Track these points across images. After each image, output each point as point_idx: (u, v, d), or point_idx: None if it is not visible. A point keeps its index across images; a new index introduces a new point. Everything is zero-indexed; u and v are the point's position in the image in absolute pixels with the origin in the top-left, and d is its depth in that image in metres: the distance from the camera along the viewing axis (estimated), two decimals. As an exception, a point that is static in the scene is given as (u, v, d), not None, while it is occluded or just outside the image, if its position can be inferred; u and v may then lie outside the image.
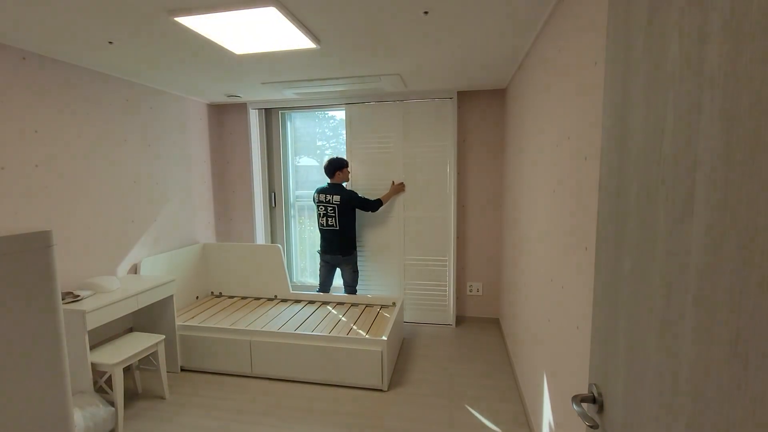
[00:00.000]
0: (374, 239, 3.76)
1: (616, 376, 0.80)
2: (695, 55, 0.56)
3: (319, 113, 4.08)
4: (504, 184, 3.42)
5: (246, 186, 4.03)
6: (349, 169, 3.50)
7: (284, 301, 3.58)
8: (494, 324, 3.69)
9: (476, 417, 2.32)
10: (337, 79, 2.98)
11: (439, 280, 3.68)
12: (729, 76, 0.49)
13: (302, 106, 3.79)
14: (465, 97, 3.53)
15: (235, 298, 3.65)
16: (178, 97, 3.46)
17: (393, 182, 3.63)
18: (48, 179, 2.35)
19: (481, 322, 3.72)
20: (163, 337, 2.52)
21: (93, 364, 2.19)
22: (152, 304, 2.78)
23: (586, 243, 1.32)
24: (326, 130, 3.82)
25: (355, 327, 2.96)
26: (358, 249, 3.76)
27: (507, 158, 3.24)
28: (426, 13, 1.81)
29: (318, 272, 3.62)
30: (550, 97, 1.83)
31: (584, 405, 0.96)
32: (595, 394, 0.88)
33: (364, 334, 2.83)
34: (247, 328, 2.79)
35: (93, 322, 2.14)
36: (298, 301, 3.55)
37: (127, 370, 2.79)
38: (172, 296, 2.74)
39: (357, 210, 3.47)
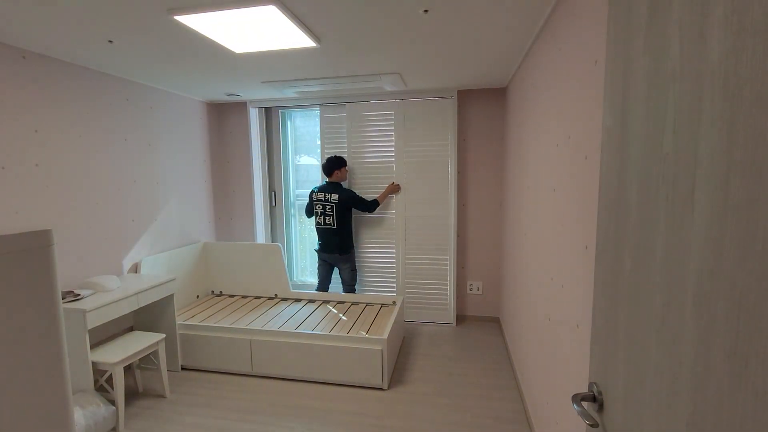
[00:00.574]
0: (374, 238, 3.76)
1: (616, 374, 0.80)
2: (696, 53, 0.56)
3: (317, 112, 4.07)
4: (504, 183, 3.41)
5: (246, 185, 4.03)
6: (347, 168, 3.50)
7: (284, 300, 3.58)
8: (494, 323, 3.69)
9: (476, 416, 2.32)
10: (336, 77, 2.98)
11: (440, 279, 3.68)
12: (730, 74, 0.49)
13: (302, 105, 3.78)
14: (465, 96, 3.52)
15: (236, 297, 3.65)
16: (178, 96, 3.45)
17: (391, 183, 3.63)
18: (48, 178, 2.35)
19: (481, 321, 3.73)
20: (164, 336, 2.52)
21: (94, 363, 2.19)
22: (153, 303, 2.78)
23: (586, 242, 1.32)
24: (327, 129, 3.82)
25: (355, 326, 2.96)
26: (357, 248, 3.76)
27: (507, 157, 3.24)
28: (426, 11, 1.81)
29: (317, 271, 3.62)
30: (551, 96, 1.82)
31: (584, 404, 0.96)
32: (595, 393, 0.88)
33: (365, 333, 2.83)
34: (247, 327, 2.79)
35: (93, 321, 2.14)
36: (298, 300, 3.55)
37: (128, 369, 2.79)
38: (172, 295, 2.74)
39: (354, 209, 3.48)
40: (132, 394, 2.58)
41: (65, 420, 1.29)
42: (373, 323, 3.01)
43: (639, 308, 0.71)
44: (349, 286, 3.57)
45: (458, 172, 3.61)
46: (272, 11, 1.73)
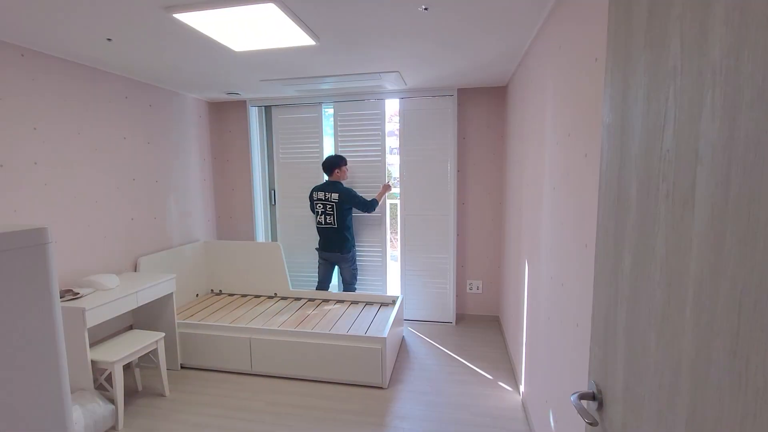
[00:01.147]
0: (374, 237, 3.76)
1: (615, 373, 0.80)
2: (696, 49, 0.55)
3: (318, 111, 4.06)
4: (504, 182, 3.41)
5: (246, 183, 4.02)
6: (347, 166, 3.49)
7: (284, 298, 3.58)
8: (494, 322, 3.69)
9: (476, 414, 2.32)
10: (336, 76, 2.97)
11: (439, 278, 3.68)
12: (731, 71, 0.49)
13: (302, 104, 3.78)
14: (465, 95, 3.52)
15: (235, 296, 3.65)
16: (178, 94, 3.45)
17: (384, 184, 3.61)
18: (47, 176, 2.35)
19: (481, 320, 3.73)
20: (163, 334, 2.52)
21: (93, 362, 2.19)
22: (152, 302, 2.78)
23: (586, 240, 1.32)
24: (327, 128, 3.82)
25: (355, 325, 2.96)
26: (357, 247, 3.76)
27: (507, 156, 3.24)
28: (426, 9, 1.80)
29: (317, 270, 3.62)
30: (551, 94, 1.82)
31: (584, 402, 0.96)
32: (595, 392, 0.88)
33: (364, 331, 2.83)
34: (247, 326, 2.79)
35: (93, 319, 2.13)
36: (297, 299, 3.55)
37: (127, 368, 2.79)
38: (172, 294, 2.74)
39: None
40: (131, 393, 2.58)
41: (64, 418, 1.29)
42: (373, 322, 3.01)
43: (639, 306, 0.71)
44: (350, 285, 3.56)
45: (458, 171, 3.61)
46: (271, 9, 1.73)
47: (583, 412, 0.84)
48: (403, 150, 3.61)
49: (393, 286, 4.15)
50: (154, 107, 3.17)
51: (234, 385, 2.67)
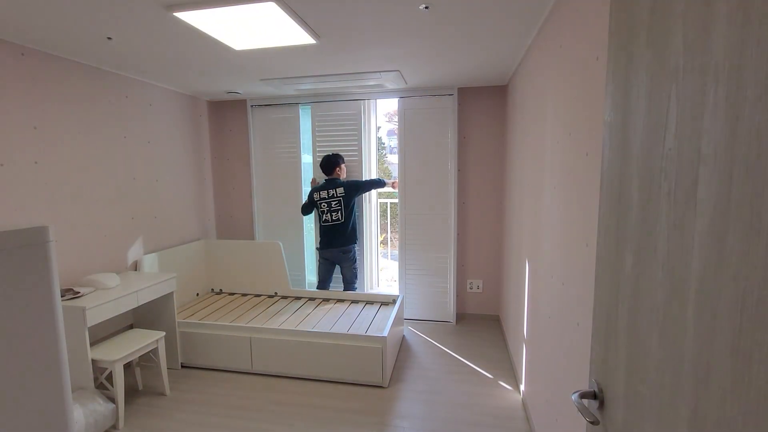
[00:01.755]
0: (374, 236, 3.76)
1: (617, 372, 0.80)
2: (699, 47, 0.55)
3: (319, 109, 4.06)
4: (505, 181, 3.41)
5: (246, 183, 4.02)
6: (344, 164, 3.51)
7: (284, 297, 3.58)
8: (494, 321, 3.69)
9: (476, 413, 2.32)
10: (336, 75, 2.97)
11: (440, 277, 3.68)
12: (734, 69, 0.49)
13: (301, 102, 3.77)
14: (466, 94, 3.52)
15: (236, 295, 3.65)
16: (178, 93, 3.45)
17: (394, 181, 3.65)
18: (47, 175, 2.34)
19: (481, 319, 3.73)
20: (164, 333, 2.52)
21: (93, 361, 2.19)
22: (153, 301, 2.78)
23: (587, 239, 1.32)
24: (326, 127, 3.81)
25: (355, 324, 2.96)
26: (357, 246, 3.76)
27: (508, 155, 3.23)
28: (426, 7, 1.80)
29: (317, 270, 3.63)
30: (552, 93, 1.82)
31: (585, 401, 0.96)
32: (596, 390, 0.88)
33: (365, 331, 2.83)
34: (247, 325, 2.79)
35: (93, 318, 2.14)
36: (298, 298, 3.55)
37: (128, 367, 2.79)
38: (172, 293, 2.74)
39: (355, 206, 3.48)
40: (132, 392, 2.59)
41: (65, 417, 1.29)
42: (373, 321, 3.01)
43: (640, 305, 0.71)
44: (350, 284, 3.56)
45: (458, 170, 3.60)
46: (272, 8, 1.72)
47: (584, 410, 0.84)
48: (403, 149, 3.60)
49: (382, 285, 4.14)
50: (154, 106, 3.17)
51: (234, 384, 2.67)
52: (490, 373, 2.76)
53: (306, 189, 3.87)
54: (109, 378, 2.46)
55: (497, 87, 3.46)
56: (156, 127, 3.18)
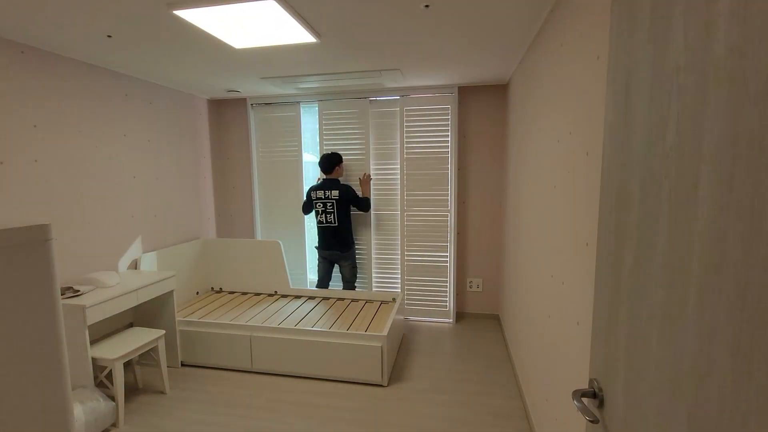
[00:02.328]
0: (374, 235, 3.76)
1: (616, 371, 0.80)
2: (700, 46, 0.55)
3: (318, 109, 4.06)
4: (505, 180, 3.41)
5: (246, 181, 4.02)
6: (343, 164, 3.51)
7: (284, 296, 3.58)
8: (494, 320, 3.70)
9: (476, 412, 2.32)
10: (337, 73, 2.97)
11: (439, 276, 3.68)
12: (735, 67, 0.49)
13: (301, 101, 3.77)
14: (466, 93, 3.51)
15: (236, 294, 3.65)
16: (178, 92, 3.44)
17: (359, 179, 3.61)
18: (47, 174, 2.34)
19: (481, 318, 3.73)
20: (164, 332, 2.52)
21: (93, 359, 2.20)
22: (152, 300, 2.78)
23: (587, 239, 1.32)
24: (325, 126, 3.81)
25: (355, 323, 2.96)
26: (357, 245, 3.76)
27: (508, 154, 3.23)
28: (427, 6, 1.80)
29: (316, 268, 3.62)
30: (552, 92, 1.82)
31: (585, 400, 0.96)
32: (596, 389, 0.88)
33: (364, 329, 2.83)
34: (247, 324, 2.79)
35: (93, 317, 2.14)
36: (298, 297, 3.55)
37: (128, 365, 2.79)
38: (172, 291, 2.74)
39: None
40: (132, 390, 2.59)
41: (65, 415, 1.29)
42: (373, 320, 3.01)
43: (640, 304, 0.71)
44: (350, 283, 3.56)
45: (458, 169, 3.60)
46: (272, 6, 1.72)
47: (584, 409, 0.84)
48: (404, 148, 3.60)
49: (383, 285, 4.13)
50: (154, 105, 3.17)
51: (234, 383, 2.67)
52: (489, 372, 2.77)
53: (306, 188, 3.86)
54: (109, 376, 2.46)
55: (498, 86, 3.46)
56: (156, 126, 3.18)
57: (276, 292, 3.61)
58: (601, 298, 0.88)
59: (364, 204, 3.43)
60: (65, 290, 2.25)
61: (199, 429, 2.20)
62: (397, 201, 3.68)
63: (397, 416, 2.29)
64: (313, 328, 2.70)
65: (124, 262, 2.88)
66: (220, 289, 3.74)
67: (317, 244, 3.53)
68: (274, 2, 1.68)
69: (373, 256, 3.79)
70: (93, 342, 2.59)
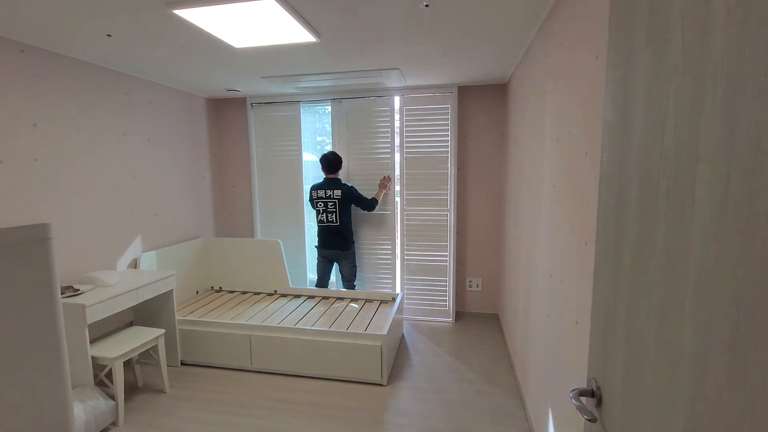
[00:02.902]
0: (374, 234, 3.76)
1: (614, 369, 0.80)
2: (698, 46, 0.56)
3: (319, 108, 4.07)
4: (504, 180, 3.41)
5: (246, 180, 4.02)
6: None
7: (284, 295, 3.58)
8: (494, 319, 3.70)
9: (475, 411, 2.33)
10: (336, 73, 2.97)
11: (439, 276, 3.69)
12: (732, 68, 0.49)
13: (301, 101, 3.77)
14: (466, 92, 3.51)
15: (235, 293, 3.66)
16: (178, 91, 3.44)
17: (381, 179, 3.61)
18: (47, 173, 2.34)
19: (480, 318, 3.73)
20: (163, 331, 2.52)
21: (93, 358, 2.20)
22: (152, 299, 2.79)
23: (586, 238, 1.32)
24: (326, 125, 3.81)
25: (354, 322, 2.97)
26: (356, 244, 3.77)
27: (507, 153, 3.23)
28: (427, 5, 1.80)
29: (316, 267, 3.63)
30: (551, 92, 1.82)
31: (583, 399, 0.96)
32: (594, 388, 0.89)
33: (364, 329, 2.83)
34: (246, 323, 2.80)
35: (93, 316, 2.14)
36: (297, 296, 3.56)
37: (128, 364, 2.80)
38: (172, 290, 2.74)
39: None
40: (132, 389, 2.59)
41: (65, 414, 1.29)
42: (373, 319, 3.01)
43: (638, 303, 0.71)
44: (349, 282, 3.57)
45: (458, 169, 3.60)
46: (271, 5, 1.72)
47: (582, 408, 0.84)
48: (403, 147, 3.60)
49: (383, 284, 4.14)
50: (154, 104, 3.16)
51: (234, 382, 2.67)
52: (489, 371, 2.77)
53: (307, 188, 3.87)
54: (109, 375, 2.46)
55: (497, 85, 3.46)
56: (155, 125, 3.18)
57: (276, 291, 3.62)
58: (599, 297, 0.88)
59: (369, 203, 3.43)
60: (65, 289, 2.25)
61: (199, 428, 2.20)
62: (397, 200, 3.68)
63: (396, 415, 2.30)
64: (312, 328, 2.71)
65: (123, 261, 2.88)
66: (220, 288, 3.74)
67: (317, 244, 3.53)
68: (274, 1, 1.69)
69: (372, 255, 3.80)
70: (93, 341, 2.59)
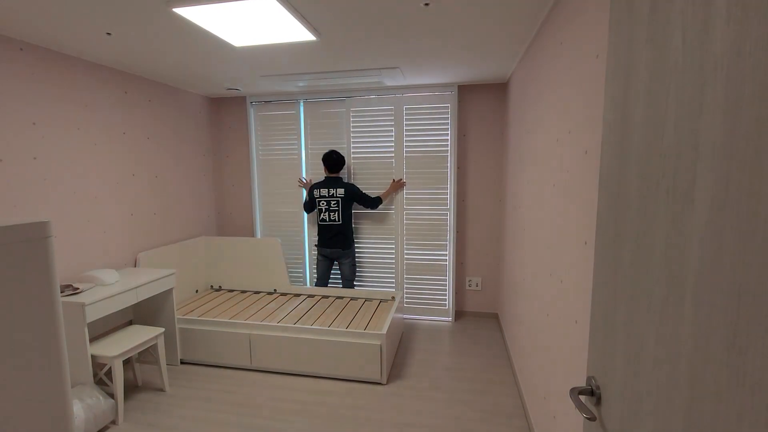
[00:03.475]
0: (373, 234, 3.76)
1: (614, 368, 0.80)
2: (698, 45, 0.55)
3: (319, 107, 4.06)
4: (504, 179, 3.41)
5: (245, 179, 4.02)
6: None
7: (284, 294, 3.58)
8: (493, 318, 3.70)
9: (475, 410, 2.33)
10: (336, 72, 2.96)
11: (439, 275, 3.69)
12: (732, 66, 0.49)
13: (301, 100, 3.77)
14: (466, 91, 3.51)
15: (235, 292, 3.66)
16: (178, 89, 3.44)
17: (393, 180, 3.63)
18: (46, 171, 2.34)
19: (480, 317, 3.73)
20: (163, 330, 2.52)
21: (93, 357, 2.20)
22: (152, 298, 2.79)
23: (586, 237, 1.32)
24: (326, 124, 3.81)
25: (354, 321, 2.97)
26: (356, 243, 3.77)
27: (507, 153, 3.23)
28: (427, 4, 1.80)
29: (315, 266, 3.63)
30: (551, 91, 1.82)
31: (582, 397, 0.96)
32: (593, 387, 0.89)
33: (364, 328, 2.83)
34: (246, 322, 2.80)
35: (92, 314, 2.14)
36: (297, 295, 3.56)
37: (127, 363, 2.80)
38: (171, 289, 2.74)
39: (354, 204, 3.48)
40: (131, 388, 2.59)
41: (64, 413, 1.29)
42: (372, 318, 3.02)
43: (638, 302, 0.71)
44: (349, 281, 3.57)
45: (458, 168, 3.60)
46: (271, 4, 1.72)
47: (581, 407, 0.84)
48: (403, 146, 3.60)
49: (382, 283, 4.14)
50: (154, 102, 3.16)
51: (233, 381, 2.68)
52: (488, 370, 2.77)
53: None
54: (109, 374, 2.46)
55: (497, 84, 3.46)
56: (155, 123, 3.18)
57: (275, 290, 3.62)
58: (599, 296, 0.88)
59: (372, 202, 3.43)
60: (65, 288, 2.25)
61: (199, 426, 2.20)
62: (397, 198, 3.68)
63: (396, 414, 2.30)
64: (312, 327, 2.71)
65: (123, 260, 2.88)
66: (220, 287, 3.74)
67: (317, 242, 3.53)
68: (274, 0, 1.68)
69: (372, 254, 3.80)
70: (92, 339, 2.59)
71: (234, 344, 2.79)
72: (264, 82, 3.28)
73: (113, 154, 2.79)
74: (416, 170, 3.61)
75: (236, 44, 2.26)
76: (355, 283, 3.64)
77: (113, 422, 2.23)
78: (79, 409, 2.02)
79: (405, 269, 3.75)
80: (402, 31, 2.13)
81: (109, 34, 2.12)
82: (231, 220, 4.11)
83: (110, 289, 2.32)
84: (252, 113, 3.91)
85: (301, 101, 3.77)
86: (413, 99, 3.53)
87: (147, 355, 2.71)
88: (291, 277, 4.05)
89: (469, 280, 3.73)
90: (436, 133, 3.54)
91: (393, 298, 3.41)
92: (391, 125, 3.61)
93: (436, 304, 3.73)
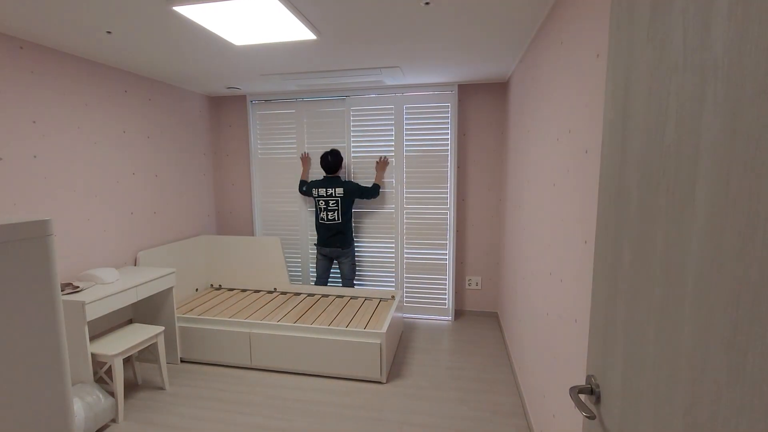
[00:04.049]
0: (373, 233, 3.77)
1: (613, 367, 0.80)
2: (699, 44, 0.55)
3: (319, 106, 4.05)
4: (504, 178, 3.41)
5: (245, 178, 4.02)
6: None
7: (283, 293, 3.58)
8: (493, 318, 3.71)
9: (474, 409, 2.33)
10: (336, 71, 2.96)
11: (438, 274, 3.69)
12: (733, 66, 0.49)
13: (301, 98, 3.77)
14: (466, 90, 3.51)
15: (235, 291, 3.66)
16: (178, 88, 3.44)
17: (376, 162, 3.61)
18: (46, 170, 2.34)
19: (479, 316, 3.74)
20: (163, 328, 2.53)
21: (93, 355, 2.20)
22: (152, 296, 2.79)
23: (586, 236, 1.32)
24: (326, 124, 3.81)
25: (354, 320, 2.97)
26: (356, 242, 3.77)
27: (507, 152, 3.23)
28: (427, 3, 1.80)
29: (315, 266, 3.63)
30: (552, 90, 1.82)
31: (582, 396, 0.96)
32: (593, 386, 0.89)
33: (363, 326, 2.84)
34: (246, 321, 2.80)
35: (92, 313, 2.14)
36: (297, 294, 3.56)
37: (127, 361, 2.80)
38: (171, 288, 2.75)
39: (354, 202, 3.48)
40: (131, 387, 2.59)
41: (64, 411, 1.29)
42: (372, 317, 3.02)
43: (638, 301, 0.71)
44: (349, 281, 3.57)
45: (458, 167, 3.60)
46: (272, 2, 1.72)
47: (581, 405, 0.84)
48: (403, 146, 3.60)
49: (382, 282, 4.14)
50: (154, 101, 3.16)
51: (233, 380, 2.68)
52: (488, 369, 2.78)
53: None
54: (109, 372, 2.46)
55: (498, 83, 3.46)
56: (155, 122, 3.18)
57: (275, 289, 3.62)
58: (598, 295, 0.89)
59: (371, 192, 3.43)
60: (65, 286, 2.25)
61: (198, 425, 2.21)
62: (396, 197, 3.68)
63: (395, 413, 2.30)
64: (312, 325, 2.71)
65: (123, 259, 2.89)
66: (220, 286, 3.74)
67: (317, 241, 3.53)
68: (274, -1, 1.68)
69: (372, 253, 3.80)
70: (92, 338, 2.59)
71: (234, 343, 2.79)
72: (264, 81, 3.28)
73: (113, 153, 2.79)
74: (416, 169, 3.61)
75: (236, 43, 2.25)
76: (354, 282, 3.64)
77: (113, 420, 2.24)
78: (79, 408, 2.02)
79: (405, 268, 3.75)
80: (402, 30, 2.13)
81: (109, 32, 2.11)
82: (231, 218, 4.12)
83: (110, 287, 2.32)
84: (252, 112, 3.91)
85: (301, 100, 3.77)
86: (413, 98, 3.53)
87: (147, 353, 2.71)
88: (290, 275, 4.05)
89: (469, 280, 3.74)
90: (436, 133, 3.54)
91: (393, 297, 3.41)
92: (391, 124, 3.61)
93: (435, 303, 3.73)
